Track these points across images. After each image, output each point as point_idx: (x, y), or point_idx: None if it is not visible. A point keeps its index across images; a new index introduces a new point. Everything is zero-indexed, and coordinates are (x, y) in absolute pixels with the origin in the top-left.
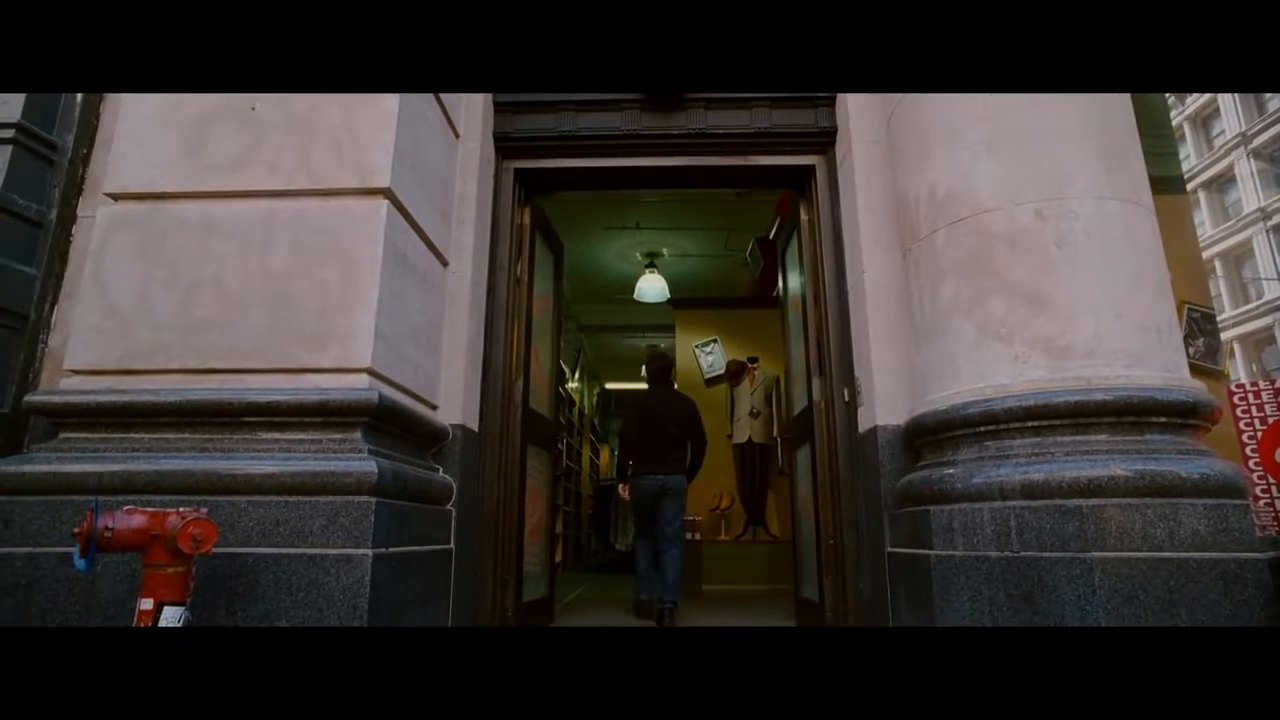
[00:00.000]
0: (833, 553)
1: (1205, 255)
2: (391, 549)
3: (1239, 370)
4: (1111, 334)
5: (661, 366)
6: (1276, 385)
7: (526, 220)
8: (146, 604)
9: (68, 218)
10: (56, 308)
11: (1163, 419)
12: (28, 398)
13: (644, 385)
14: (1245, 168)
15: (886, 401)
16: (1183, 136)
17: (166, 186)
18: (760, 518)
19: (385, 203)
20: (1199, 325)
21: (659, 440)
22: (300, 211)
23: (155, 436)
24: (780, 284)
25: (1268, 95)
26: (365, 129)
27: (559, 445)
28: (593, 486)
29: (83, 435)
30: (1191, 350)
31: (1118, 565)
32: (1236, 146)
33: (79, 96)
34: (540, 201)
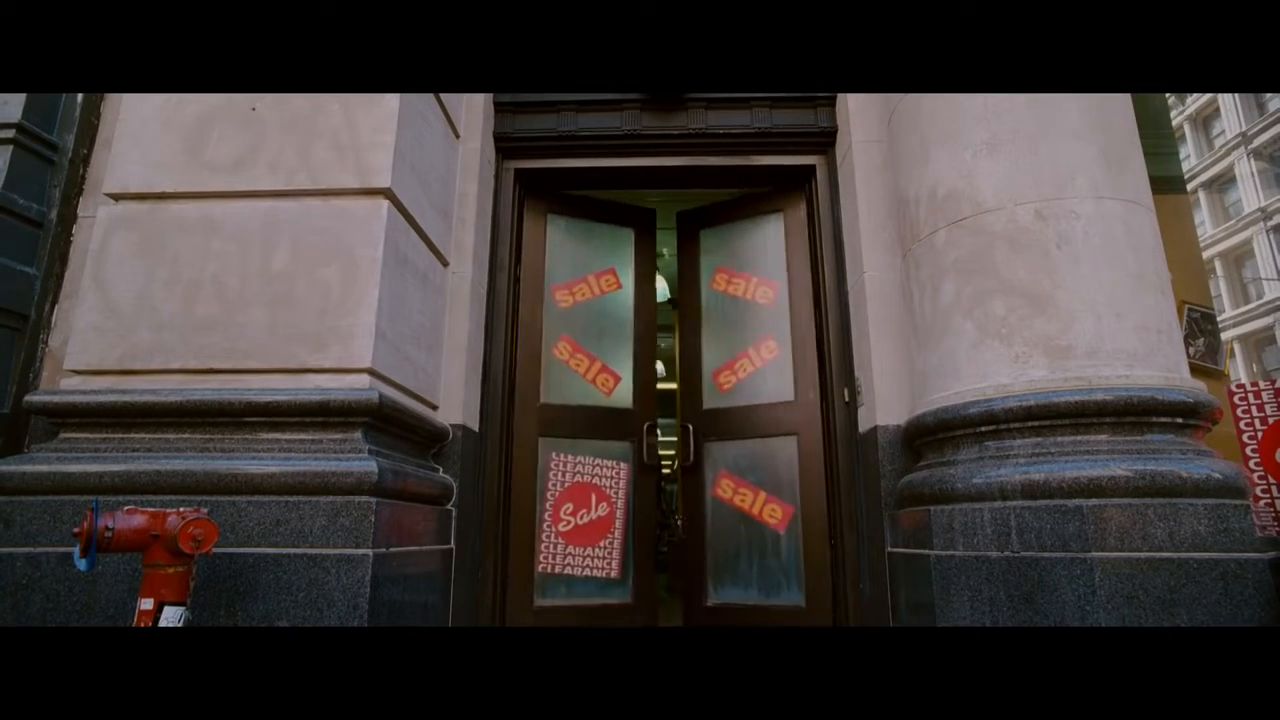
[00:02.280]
0: (833, 553)
1: (1205, 255)
2: (392, 549)
3: (1239, 370)
4: (1112, 334)
5: None
6: (1277, 385)
7: (528, 219)
8: (147, 604)
9: (68, 218)
10: (57, 308)
11: (1163, 419)
12: (28, 398)
13: None
14: (1245, 168)
15: (886, 401)
16: (1183, 136)
17: (167, 186)
18: None
19: (386, 203)
20: (1199, 325)
21: None
22: (301, 211)
23: (156, 436)
24: (698, 275)
25: (1268, 95)
26: (366, 129)
27: (641, 435)
28: None
29: (83, 435)
30: (1192, 350)
31: (1118, 565)
32: (1237, 146)
33: (79, 96)
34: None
